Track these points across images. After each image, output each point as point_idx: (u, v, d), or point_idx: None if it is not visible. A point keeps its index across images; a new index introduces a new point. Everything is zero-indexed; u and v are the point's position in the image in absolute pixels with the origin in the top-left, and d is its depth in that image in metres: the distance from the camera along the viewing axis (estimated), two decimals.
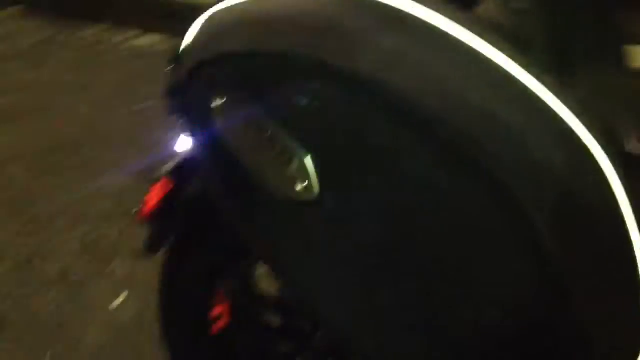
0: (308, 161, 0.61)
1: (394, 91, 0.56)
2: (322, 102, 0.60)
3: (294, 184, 0.62)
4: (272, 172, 0.65)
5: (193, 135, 0.78)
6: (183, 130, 0.92)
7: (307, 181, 0.61)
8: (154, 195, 1.09)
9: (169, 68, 0.81)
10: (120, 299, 1.74)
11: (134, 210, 1.14)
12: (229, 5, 0.71)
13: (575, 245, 0.57)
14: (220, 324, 1.19)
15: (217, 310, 1.19)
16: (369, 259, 0.63)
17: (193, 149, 0.88)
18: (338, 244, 0.65)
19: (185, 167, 1.06)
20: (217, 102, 0.65)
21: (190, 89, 0.72)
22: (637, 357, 0.62)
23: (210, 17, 0.73)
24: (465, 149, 0.55)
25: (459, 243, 0.58)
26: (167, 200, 1.09)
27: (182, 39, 0.79)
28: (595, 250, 0.59)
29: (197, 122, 0.75)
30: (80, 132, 2.47)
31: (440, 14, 0.58)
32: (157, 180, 1.10)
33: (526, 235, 0.55)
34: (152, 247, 1.19)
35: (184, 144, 1.02)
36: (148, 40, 3.38)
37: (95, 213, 1.99)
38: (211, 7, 0.74)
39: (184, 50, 0.77)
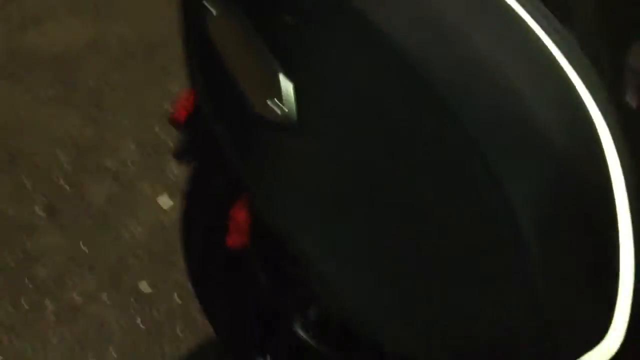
0: (286, 83, 0.58)
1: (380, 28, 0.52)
2: (309, 23, 0.56)
3: (271, 104, 0.59)
4: (255, 90, 0.62)
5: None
6: None
7: (283, 102, 0.58)
8: (184, 102, 1.09)
9: None
10: (170, 202, 1.77)
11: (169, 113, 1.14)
12: None
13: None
14: (237, 240, 1.19)
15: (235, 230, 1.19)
16: (343, 189, 0.61)
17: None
18: (315, 175, 0.62)
19: None
20: (212, 13, 0.63)
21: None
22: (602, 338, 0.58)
23: None
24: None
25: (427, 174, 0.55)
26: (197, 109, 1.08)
27: None
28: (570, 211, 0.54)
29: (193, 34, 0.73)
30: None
31: None
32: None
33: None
34: (181, 153, 1.20)
35: None
36: None
37: (159, 114, 2.01)
38: None
39: None
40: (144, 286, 1.60)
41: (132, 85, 2.05)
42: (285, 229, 0.70)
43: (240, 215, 1.14)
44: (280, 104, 0.59)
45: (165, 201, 1.76)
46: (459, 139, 0.53)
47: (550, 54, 0.52)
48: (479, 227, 0.56)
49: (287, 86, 0.57)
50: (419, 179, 0.56)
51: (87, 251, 1.64)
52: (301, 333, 1.32)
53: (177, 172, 1.80)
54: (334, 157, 0.60)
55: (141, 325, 1.54)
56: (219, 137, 0.75)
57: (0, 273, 1.59)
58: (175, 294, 1.57)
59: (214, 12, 0.64)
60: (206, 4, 0.64)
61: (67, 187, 1.78)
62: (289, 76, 0.57)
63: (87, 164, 1.84)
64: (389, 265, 0.63)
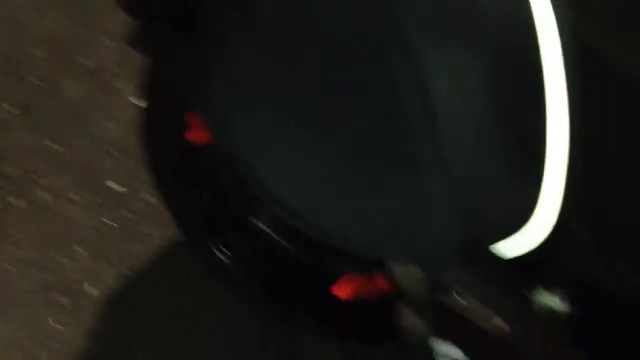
0: None
1: None
2: None
3: None
4: None
5: None
6: None
7: None
8: None
9: None
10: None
11: None
12: None
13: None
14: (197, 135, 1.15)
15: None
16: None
17: None
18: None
19: None
20: None
21: None
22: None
23: None
24: None
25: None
26: None
27: None
28: None
29: None
30: None
31: None
32: None
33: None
34: (135, 39, 1.14)
35: None
36: None
37: None
38: None
39: None
40: (115, 185, 1.57)
41: None
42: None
43: None
44: None
45: (140, 100, 1.70)
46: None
47: None
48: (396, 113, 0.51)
49: None
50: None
51: (59, 149, 1.60)
52: (264, 227, 1.30)
53: None
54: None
55: (110, 224, 1.52)
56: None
57: None
58: (147, 194, 1.53)
59: None
60: None
61: (42, 85, 1.72)
62: None
63: (63, 61, 1.77)
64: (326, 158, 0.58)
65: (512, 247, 0.60)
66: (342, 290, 1.29)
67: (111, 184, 1.55)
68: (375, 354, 1.39)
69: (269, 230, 1.28)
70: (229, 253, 1.31)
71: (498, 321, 0.82)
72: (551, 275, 0.77)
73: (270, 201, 0.64)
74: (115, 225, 1.50)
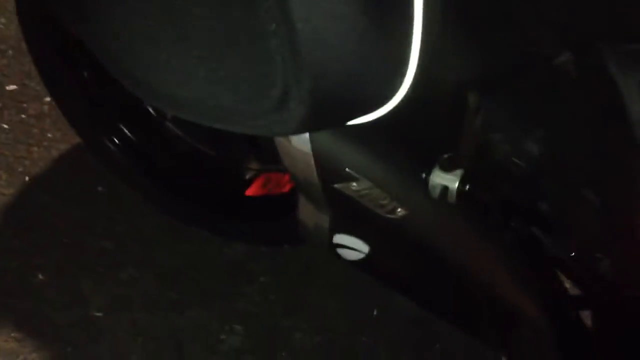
0: None
1: None
2: None
3: None
4: None
5: None
6: None
7: None
8: None
9: None
10: None
11: None
12: None
13: None
14: None
15: None
16: None
17: None
18: None
19: None
20: None
21: None
22: None
23: None
24: None
25: None
26: None
27: None
28: None
29: None
30: None
31: None
32: None
33: None
34: None
35: None
36: None
37: None
38: None
39: None
40: (11, 86, 1.46)
41: None
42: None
43: None
44: None
45: None
46: None
47: None
48: None
49: None
50: None
51: None
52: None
53: None
54: None
55: (5, 127, 1.41)
56: None
57: None
58: (46, 95, 1.42)
59: None
60: None
61: None
62: None
63: None
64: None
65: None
66: (253, 189, 1.24)
67: (8, 84, 1.44)
68: (277, 252, 1.36)
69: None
70: (120, 144, 1.23)
71: (393, 204, 0.77)
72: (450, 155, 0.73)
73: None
74: (11, 128, 1.40)
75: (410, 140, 0.74)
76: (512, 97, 0.78)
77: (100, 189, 1.39)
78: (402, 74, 0.50)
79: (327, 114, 0.49)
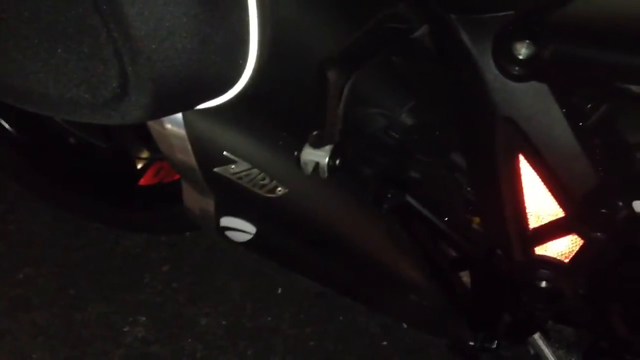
0: None
1: None
2: None
3: None
4: None
5: None
6: None
7: None
8: None
9: None
10: None
11: None
12: None
13: None
14: None
15: None
16: None
17: None
18: None
19: None
20: None
21: None
22: None
23: None
24: None
25: None
26: None
27: None
28: None
29: None
30: None
31: None
32: None
33: None
34: None
35: None
36: None
37: None
38: None
39: None
40: None
41: None
42: None
43: None
44: None
45: None
46: None
47: None
48: None
49: None
50: None
51: None
52: None
53: None
54: None
55: None
56: None
57: None
58: None
59: None
60: None
61: None
62: None
63: None
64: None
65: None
66: (145, 178, 1.23)
67: None
68: (177, 240, 1.36)
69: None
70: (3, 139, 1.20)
71: (273, 184, 0.78)
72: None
73: None
74: None
75: (282, 120, 0.75)
76: (381, 71, 0.81)
77: None
78: (244, 55, 0.51)
79: (170, 101, 0.50)
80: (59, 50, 0.47)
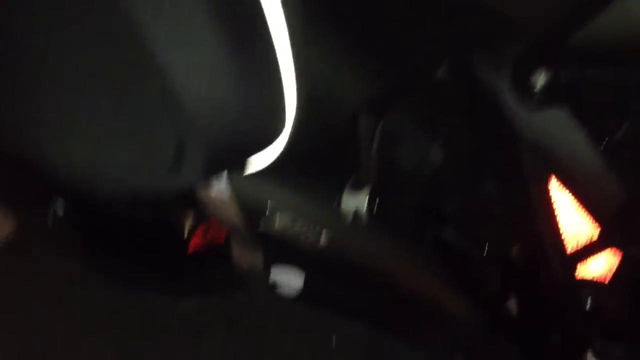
0: None
1: None
2: None
3: None
4: None
5: None
6: None
7: None
8: None
9: None
10: None
11: None
12: None
13: None
14: None
15: None
16: None
17: None
18: None
19: None
20: None
21: None
22: None
23: None
24: None
25: None
26: None
27: None
28: None
29: None
30: None
31: None
32: None
33: None
34: None
35: None
36: None
37: None
38: None
39: None
40: None
41: None
42: None
43: None
44: None
45: None
46: None
47: None
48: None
49: None
50: None
51: None
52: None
53: None
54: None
55: None
56: None
57: None
58: None
59: None
60: None
61: None
62: None
63: None
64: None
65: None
66: (194, 244, 1.27)
67: None
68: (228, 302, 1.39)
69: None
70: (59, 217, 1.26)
71: (317, 233, 0.82)
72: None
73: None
74: None
75: (319, 170, 0.80)
76: (410, 109, 0.85)
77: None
78: (282, 109, 0.56)
79: (221, 161, 0.55)
80: (119, 126, 0.52)
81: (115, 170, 0.55)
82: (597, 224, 0.76)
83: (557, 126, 0.73)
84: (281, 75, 0.55)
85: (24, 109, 0.56)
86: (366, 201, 0.75)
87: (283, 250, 0.87)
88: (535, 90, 0.70)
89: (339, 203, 0.77)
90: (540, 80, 0.69)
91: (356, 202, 0.76)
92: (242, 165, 0.60)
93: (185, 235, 1.29)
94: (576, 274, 0.81)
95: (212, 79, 0.50)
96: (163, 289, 1.36)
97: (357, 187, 0.75)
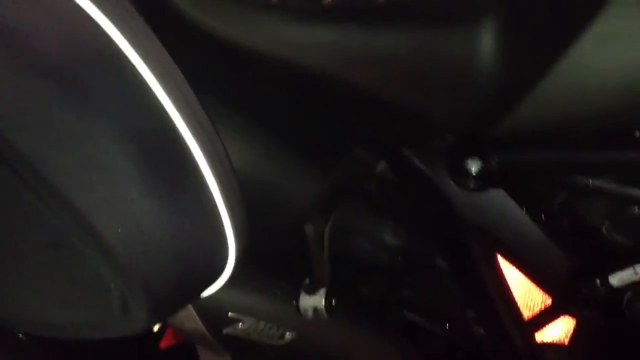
0: None
1: None
2: None
3: None
4: None
5: None
6: None
7: None
8: None
9: None
10: None
11: None
12: None
13: None
14: None
15: None
16: None
17: None
18: None
19: None
20: None
21: None
22: None
23: None
24: None
25: None
26: None
27: None
28: None
29: None
30: None
31: None
32: None
33: None
34: None
35: None
36: None
37: None
38: None
39: None
40: None
41: None
42: None
43: None
44: None
45: None
46: None
47: None
48: None
49: None
50: None
51: None
52: None
53: None
54: None
55: None
56: None
57: None
58: None
59: None
60: None
61: None
62: None
63: None
64: None
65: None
66: (165, 340, 1.28)
67: None
68: None
69: None
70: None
71: (280, 331, 0.84)
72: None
73: None
74: None
75: (275, 272, 0.81)
76: (357, 203, 0.88)
77: None
78: (224, 243, 0.57)
79: (168, 305, 0.56)
80: (57, 286, 0.53)
81: (76, 324, 0.56)
82: (547, 294, 0.79)
83: (496, 206, 0.76)
84: (216, 205, 0.56)
85: None
86: (323, 300, 0.77)
87: (249, 350, 0.88)
88: (470, 177, 0.74)
89: (297, 304, 0.78)
90: (473, 167, 0.73)
91: (314, 301, 0.77)
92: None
93: (155, 333, 1.29)
94: (535, 339, 0.83)
95: (142, 227, 0.51)
96: None
97: (313, 288, 0.77)
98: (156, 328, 1.29)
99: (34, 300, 0.55)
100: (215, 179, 0.55)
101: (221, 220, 0.57)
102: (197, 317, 0.83)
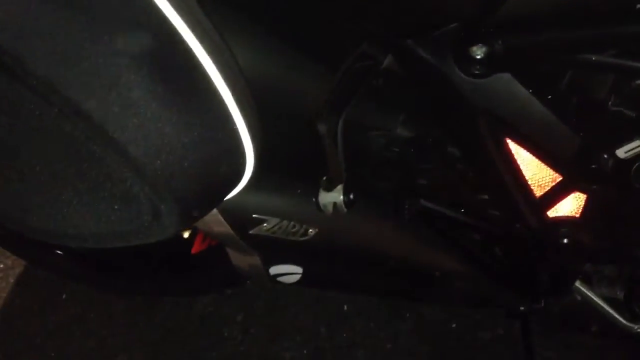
0: None
1: None
2: None
3: None
4: None
5: None
6: None
7: None
8: None
9: None
10: None
11: None
12: None
13: None
14: None
15: None
16: None
17: None
18: None
19: None
20: None
21: None
22: None
23: None
24: None
25: None
26: None
27: None
28: None
29: None
30: None
31: None
32: None
33: None
34: None
35: None
36: None
37: None
38: None
39: None
40: None
41: None
42: None
43: None
44: None
45: None
46: None
47: None
48: None
49: None
50: None
51: None
52: None
53: None
54: None
55: None
56: None
57: None
58: None
59: None
60: None
61: None
62: None
63: None
64: None
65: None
66: (195, 246, 1.33)
67: None
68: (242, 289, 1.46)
69: None
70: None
71: (303, 228, 0.87)
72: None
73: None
74: None
75: (294, 174, 0.84)
76: (368, 98, 0.89)
77: (64, 296, 1.47)
78: (240, 145, 0.59)
79: (196, 208, 0.59)
80: (88, 196, 0.56)
81: (100, 234, 0.59)
82: (558, 172, 0.81)
83: (503, 89, 0.77)
84: (229, 109, 0.58)
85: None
86: (342, 195, 0.80)
87: (276, 248, 0.92)
88: (476, 62, 0.75)
89: (317, 200, 0.81)
90: (478, 53, 0.74)
91: (332, 197, 0.80)
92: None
93: (186, 239, 1.34)
94: (548, 216, 0.86)
95: (163, 136, 0.53)
96: (179, 293, 1.42)
97: (330, 185, 0.80)
98: (186, 235, 1.34)
99: (70, 214, 0.58)
100: (225, 83, 0.57)
101: (235, 123, 0.59)
102: (223, 221, 0.86)
